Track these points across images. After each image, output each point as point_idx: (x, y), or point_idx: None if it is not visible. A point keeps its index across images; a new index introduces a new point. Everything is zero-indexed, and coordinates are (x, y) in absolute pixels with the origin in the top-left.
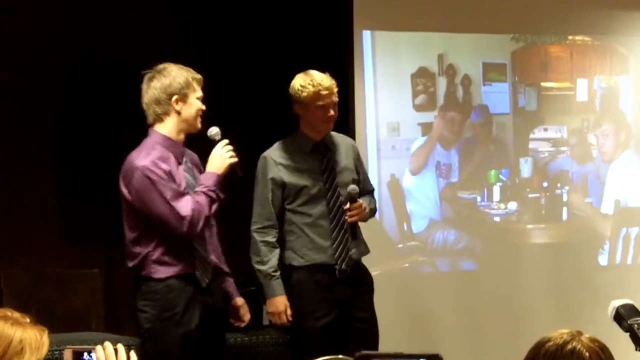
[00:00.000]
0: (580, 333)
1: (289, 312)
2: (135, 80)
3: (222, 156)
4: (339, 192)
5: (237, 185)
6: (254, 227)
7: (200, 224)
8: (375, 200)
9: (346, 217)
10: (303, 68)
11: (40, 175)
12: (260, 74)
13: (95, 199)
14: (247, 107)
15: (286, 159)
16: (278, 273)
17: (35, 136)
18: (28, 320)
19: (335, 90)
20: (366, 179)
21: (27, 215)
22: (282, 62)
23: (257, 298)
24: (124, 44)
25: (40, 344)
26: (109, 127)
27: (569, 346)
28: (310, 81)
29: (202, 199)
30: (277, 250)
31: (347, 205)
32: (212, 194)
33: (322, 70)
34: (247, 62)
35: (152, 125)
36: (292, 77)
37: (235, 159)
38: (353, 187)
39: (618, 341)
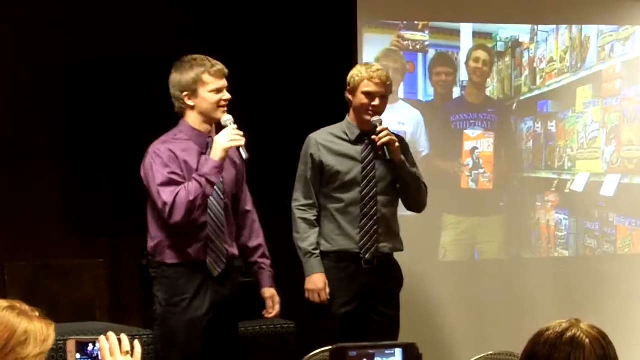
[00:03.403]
0: (578, 321)
1: (327, 290)
2: (137, 75)
3: (218, 141)
4: (375, 183)
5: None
6: (294, 204)
7: (182, 211)
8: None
9: (377, 143)
10: (306, 64)
11: (44, 165)
12: (265, 71)
13: (99, 189)
14: (251, 101)
15: (328, 142)
16: (318, 251)
17: (38, 128)
18: (37, 314)
19: (389, 83)
20: (418, 174)
21: (31, 205)
22: (286, 59)
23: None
24: (126, 41)
25: (46, 337)
26: (111, 119)
27: (569, 333)
28: (367, 68)
29: (191, 185)
30: (317, 229)
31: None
32: (202, 179)
33: (327, 65)
34: (253, 58)
35: (179, 116)
36: (295, 74)
37: (238, 143)
38: (377, 118)
39: (622, 331)
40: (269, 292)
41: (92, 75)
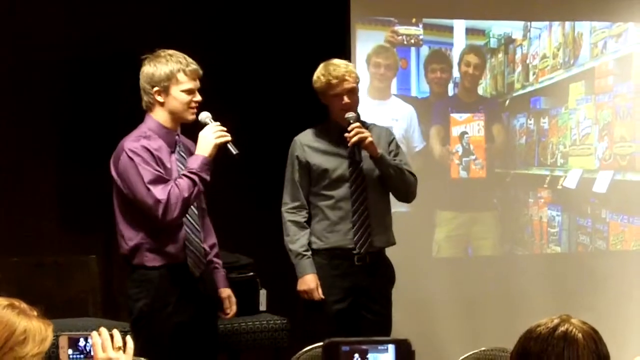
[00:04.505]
0: (569, 316)
1: (320, 290)
2: (133, 74)
3: (207, 137)
4: (363, 178)
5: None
6: (284, 207)
7: (177, 208)
8: (407, 171)
9: (348, 143)
10: (299, 61)
11: (38, 162)
12: (259, 67)
13: (92, 185)
14: (244, 99)
15: (313, 141)
16: (309, 252)
17: (33, 125)
18: (35, 313)
19: (350, 77)
20: (404, 163)
21: (25, 202)
22: (279, 56)
23: (255, 284)
24: (121, 38)
25: (44, 337)
26: (105, 116)
27: (561, 329)
28: (324, 71)
29: (183, 182)
30: (307, 230)
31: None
32: (194, 177)
33: (320, 61)
34: (247, 56)
35: (146, 111)
36: (287, 71)
37: (226, 139)
38: (350, 114)
39: (614, 327)
40: (225, 292)
41: (87, 73)
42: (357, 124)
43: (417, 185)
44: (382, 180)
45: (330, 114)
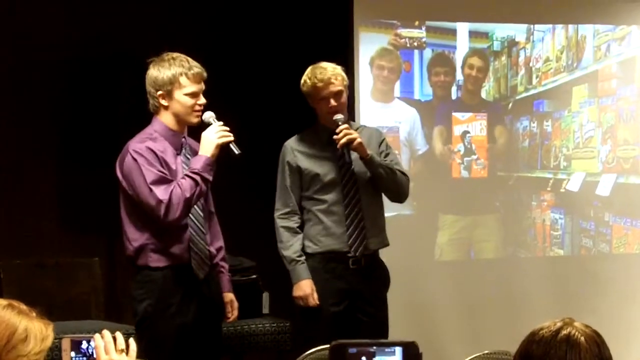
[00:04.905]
0: (572, 320)
1: (315, 295)
2: (133, 74)
3: (209, 137)
4: (355, 180)
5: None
6: (276, 213)
7: (179, 209)
8: (398, 169)
9: (337, 145)
10: (302, 64)
11: (40, 163)
12: (261, 69)
13: (95, 187)
14: (247, 101)
15: (303, 146)
16: (303, 258)
17: (34, 126)
18: (34, 313)
19: (336, 79)
20: (395, 163)
21: (27, 204)
22: (282, 58)
23: (258, 287)
24: (121, 38)
25: (45, 336)
26: (105, 117)
27: (564, 332)
28: (309, 75)
29: (185, 182)
30: (300, 236)
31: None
32: (196, 177)
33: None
34: (249, 58)
35: (153, 113)
36: (290, 73)
37: (229, 139)
38: (339, 116)
39: (617, 331)
40: (228, 297)
41: (87, 73)
42: (346, 125)
43: (420, 188)
44: (373, 181)
45: (318, 117)
